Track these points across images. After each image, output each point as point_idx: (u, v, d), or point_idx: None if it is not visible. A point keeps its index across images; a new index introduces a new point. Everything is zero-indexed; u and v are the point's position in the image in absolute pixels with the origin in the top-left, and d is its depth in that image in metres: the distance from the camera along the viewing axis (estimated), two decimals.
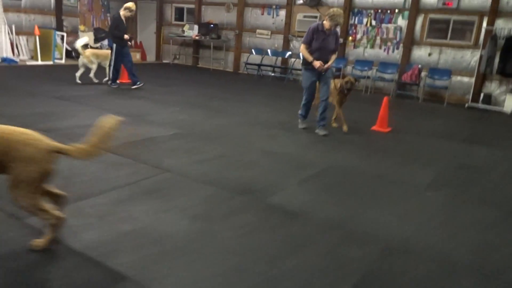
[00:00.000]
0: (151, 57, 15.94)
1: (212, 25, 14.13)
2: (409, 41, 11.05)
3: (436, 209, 3.68)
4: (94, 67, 9.12)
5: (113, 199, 3.30)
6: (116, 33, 8.59)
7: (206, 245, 2.73)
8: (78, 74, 8.96)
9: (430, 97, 10.92)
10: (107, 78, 9.15)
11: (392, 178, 4.43)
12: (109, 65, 8.99)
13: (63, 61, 12.66)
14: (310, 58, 5.84)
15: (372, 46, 11.75)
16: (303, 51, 5.92)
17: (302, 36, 13.61)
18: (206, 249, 2.68)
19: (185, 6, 15.21)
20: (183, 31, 14.83)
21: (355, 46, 12.01)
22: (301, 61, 6.37)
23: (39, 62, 11.89)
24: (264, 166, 4.44)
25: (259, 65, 13.10)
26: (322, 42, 5.81)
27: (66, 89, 8.09)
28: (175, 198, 3.44)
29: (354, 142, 5.83)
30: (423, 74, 10.70)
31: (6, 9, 12.34)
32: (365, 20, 11.77)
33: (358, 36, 11.92)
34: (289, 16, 12.95)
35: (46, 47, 12.30)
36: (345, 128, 6.28)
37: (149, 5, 15.65)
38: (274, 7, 13.23)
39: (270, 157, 4.79)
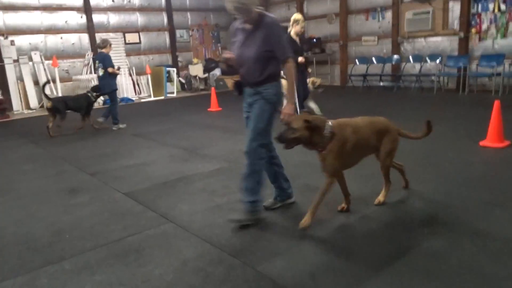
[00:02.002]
0: None
1: (314, 40, 13.39)
2: None
3: None
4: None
5: (79, 265, 2.90)
6: None
7: None
8: None
9: None
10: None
11: None
12: None
13: (174, 95, 13.45)
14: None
15: (504, 35, 9.45)
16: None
17: (413, 37, 12.21)
18: None
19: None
20: None
21: (480, 39, 9.84)
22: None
23: (152, 98, 12.85)
24: (291, 211, 3.56)
25: (364, 75, 11.80)
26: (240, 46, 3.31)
27: (144, 126, 8.34)
28: (148, 264, 2.86)
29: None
30: None
31: (128, 54, 13.77)
32: (490, 6, 9.56)
33: (484, 26, 9.74)
34: (396, 17, 11.41)
35: (159, 84, 13.25)
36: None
37: None
38: (379, 9, 11.85)
39: (307, 196, 3.86)
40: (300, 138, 3.06)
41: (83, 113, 7.99)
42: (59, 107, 7.63)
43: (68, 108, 7.78)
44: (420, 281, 2.44)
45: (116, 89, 8.17)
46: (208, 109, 9.72)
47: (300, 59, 6.78)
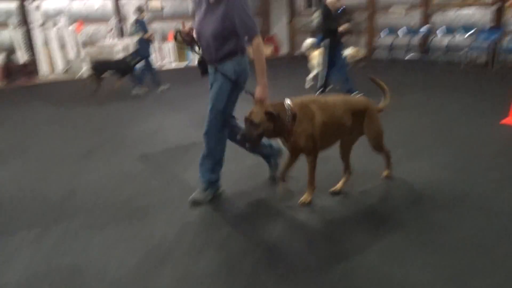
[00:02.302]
0: (284, 50, 15.69)
1: (341, 9, 12.97)
2: None
3: None
4: (316, 70, 7.65)
5: (89, 222, 3.03)
6: (327, 25, 6.63)
7: None
8: (309, 77, 7.95)
9: None
10: (319, 85, 7.05)
11: None
12: (322, 69, 7.01)
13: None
14: None
15: None
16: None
17: (444, 8, 11.67)
18: None
19: None
20: (312, 21, 14.07)
21: None
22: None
23: (174, 65, 12.89)
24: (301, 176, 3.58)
25: (390, 47, 11.45)
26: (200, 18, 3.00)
27: (167, 91, 8.40)
28: (152, 224, 2.97)
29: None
30: None
31: (151, 20, 13.73)
32: None
33: None
34: None
35: (182, 50, 13.26)
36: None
37: None
38: None
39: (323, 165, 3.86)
40: (265, 133, 2.81)
41: (120, 77, 8.23)
42: (99, 69, 7.97)
43: (107, 71, 8.12)
44: (416, 252, 2.44)
45: (150, 55, 8.36)
46: None
47: (342, 27, 6.62)
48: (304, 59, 13.52)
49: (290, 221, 2.91)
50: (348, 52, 7.48)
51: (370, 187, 3.40)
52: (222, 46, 2.90)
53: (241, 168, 3.92)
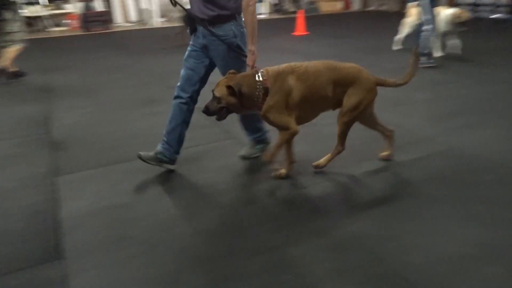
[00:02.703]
0: (356, 5, 14.90)
1: None
2: None
3: None
4: (408, 30, 7.00)
5: (146, 165, 3.25)
6: None
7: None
8: (398, 37, 7.22)
9: None
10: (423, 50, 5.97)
11: None
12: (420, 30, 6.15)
13: (263, 16, 13.22)
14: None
15: None
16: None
17: None
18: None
19: None
20: None
21: None
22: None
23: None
24: (349, 142, 3.52)
25: (474, 4, 10.45)
26: None
27: None
28: (204, 172, 3.12)
29: None
30: None
31: None
32: None
33: None
34: None
35: None
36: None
37: None
38: None
39: (370, 131, 3.77)
40: (228, 107, 2.62)
41: None
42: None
43: None
44: (403, 223, 2.35)
45: None
46: (293, 33, 9.48)
47: None
48: (378, 15, 12.76)
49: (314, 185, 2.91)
50: (448, 12, 6.27)
51: (425, 154, 3.26)
52: (217, 2, 2.63)
53: None
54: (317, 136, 3.64)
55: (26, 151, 3.58)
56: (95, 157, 3.43)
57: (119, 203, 2.70)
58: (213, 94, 2.63)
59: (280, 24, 11.54)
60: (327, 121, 3.29)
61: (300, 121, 2.79)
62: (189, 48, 2.93)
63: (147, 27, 11.62)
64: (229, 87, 2.56)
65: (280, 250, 2.14)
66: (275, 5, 14.00)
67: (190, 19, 2.82)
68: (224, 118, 2.70)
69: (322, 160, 3.02)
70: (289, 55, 7.28)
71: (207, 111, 2.65)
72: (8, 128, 4.16)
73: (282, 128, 2.73)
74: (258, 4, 13.21)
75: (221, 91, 2.58)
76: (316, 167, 3.01)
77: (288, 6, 13.63)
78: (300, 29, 9.50)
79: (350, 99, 2.79)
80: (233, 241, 2.25)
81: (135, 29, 11.45)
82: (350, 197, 2.75)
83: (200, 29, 2.78)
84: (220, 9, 2.67)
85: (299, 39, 8.95)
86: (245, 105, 2.62)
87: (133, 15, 12.54)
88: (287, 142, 2.83)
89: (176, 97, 2.98)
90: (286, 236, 2.27)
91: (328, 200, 2.67)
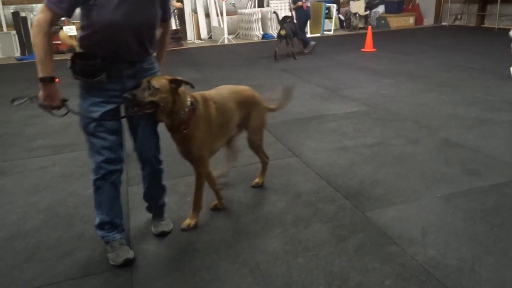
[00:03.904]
0: (429, 20, 14.31)
1: None
2: None
3: None
4: None
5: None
6: None
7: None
8: None
9: None
10: None
11: None
12: None
13: (331, 32, 13.15)
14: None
15: None
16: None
17: None
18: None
19: None
20: None
21: None
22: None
23: (308, 35, 12.81)
24: (417, 164, 3.36)
25: None
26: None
27: (295, 62, 8.44)
28: (266, 190, 3.12)
29: None
30: None
31: None
32: None
33: None
34: None
35: (317, 20, 13.07)
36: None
37: None
38: None
39: (444, 153, 3.56)
40: (159, 103, 2.23)
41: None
42: (290, 33, 8.58)
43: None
44: (479, 253, 2.12)
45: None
46: (362, 49, 9.32)
47: None
48: (453, 30, 12.24)
49: (407, 206, 2.78)
50: None
51: (504, 181, 3.01)
52: (154, 36, 2.29)
53: None
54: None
55: None
56: (169, 169, 3.57)
57: (186, 215, 2.77)
58: (148, 83, 2.20)
59: (349, 40, 11.39)
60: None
61: (212, 153, 2.66)
62: (102, 109, 2.28)
63: (217, 44, 12.04)
64: (173, 81, 2.27)
65: None
66: (343, 21, 13.88)
67: (94, 66, 2.14)
68: (142, 113, 2.24)
69: (258, 179, 3.19)
70: (357, 71, 7.15)
71: (132, 100, 2.16)
72: None
73: (199, 160, 2.51)
74: (327, 20, 13.22)
75: (161, 83, 2.22)
76: (256, 185, 3.16)
77: (357, 22, 13.45)
78: (369, 45, 9.32)
79: (255, 120, 2.92)
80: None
81: (205, 46, 11.92)
82: (422, 226, 2.61)
83: (125, 71, 2.25)
84: (155, 41, 2.37)
85: (367, 56, 8.78)
86: (173, 111, 2.31)
87: (204, 33, 13.08)
88: (203, 185, 2.62)
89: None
90: None
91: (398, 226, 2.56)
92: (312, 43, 9.38)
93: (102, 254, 2.40)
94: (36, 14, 12.05)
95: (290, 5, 9.68)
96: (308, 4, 9.28)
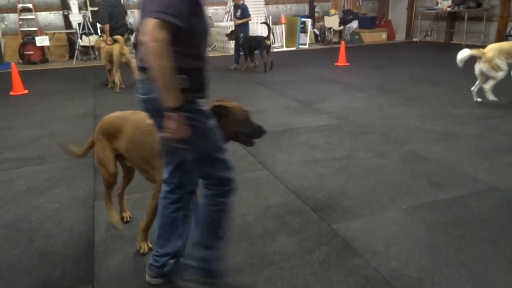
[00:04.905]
0: (401, 36, 14.74)
1: None
2: None
3: None
4: (499, 75, 5.37)
5: None
6: None
7: None
8: (483, 88, 5.58)
9: None
10: None
11: None
12: None
13: (306, 46, 13.36)
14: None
15: None
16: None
17: None
18: None
19: None
20: (437, 3, 12.93)
21: None
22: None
23: (284, 49, 12.99)
24: (384, 177, 3.43)
25: None
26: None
27: (270, 75, 8.55)
28: (235, 203, 3.12)
29: None
30: None
31: (266, 2, 14.01)
32: None
33: None
34: None
35: (292, 34, 13.28)
36: None
37: None
38: None
39: (411, 165, 3.65)
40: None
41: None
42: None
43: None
44: (440, 263, 2.19)
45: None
46: (335, 63, 9.50)
47: None
48: (423, 45, 12.62)
49: (371, 219, 2.82)
50: None
51: (466, 193, 3.11)
52: None
53: None
54: None
55: (71, 174, 3.76)
56: (134, 182, 3.53)
57: (152, 229, 2.74)
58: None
59: (324, 54, 11.59)
60: None
61: None
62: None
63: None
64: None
65: None
66: (318, 35, 14.13)
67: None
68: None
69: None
70: (330, 85, 7.27)
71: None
72: (57, 151, 4.39)
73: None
74: (302, 34, 13.44)
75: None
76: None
77: (332, 36, 13.71)
78: (342, 60, 9.51)
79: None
80: None
81: None
82: (387, 236, 2.66)
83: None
84: None
85: (340, 70, 8.94)
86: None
87: None
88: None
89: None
90: None
91: (364, 238, 2.60)
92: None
93: (64, 271, 2.34)
94: (8, 24, 11.90)
95: (234, 20, 9.61)
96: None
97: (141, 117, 2.30)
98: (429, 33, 13.71)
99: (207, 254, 2.06)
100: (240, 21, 9.21)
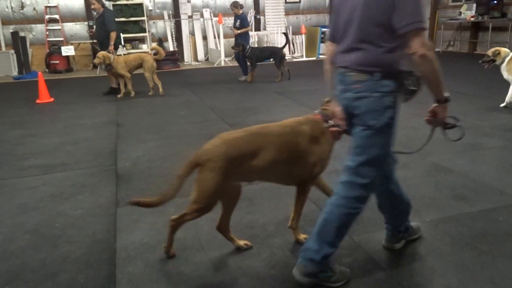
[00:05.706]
0: None
1: (495, 1, 11.51)
2: None
3: None
4: None
5: None
6: None
7: None
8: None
9: None
10: None
11: None
12: None
13: None
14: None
15: None
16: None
17: None
18: None
19: None
20: (460, 13, 12.76)
21: None
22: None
23: (304, 59, 13.00)
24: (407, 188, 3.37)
25: None
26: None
27: (289, 84, 8.54)
28: (256, 213, 3.12)
29: None
30: None
31: (287, 13, 14.10)
32: None
33: None
34: None
35: (312, 44, 13.29)
36: None
37: None
38: None
39: (434, 177, 3.57)
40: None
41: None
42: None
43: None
44: (462, 280, 2.11)
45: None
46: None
47: None
48: (445, 55, 12.44)
49: None
50: None
51: (491, 207, 3.02)
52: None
53: None
54: None
55: (94, 181, 3.83)
56: (156, 189, 3.57)
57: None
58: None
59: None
60: None
61: None
62: None
63: (214, 66, 12.17)
64: None
65: None
66: None
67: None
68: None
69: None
70: None
71: None
72: (80, 158, 4.49)
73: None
74: (322, 44, 13.42)
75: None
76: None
77: None
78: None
79: None
80: None
81: (202, 67, 12.05)
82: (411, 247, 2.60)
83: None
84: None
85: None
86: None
87: (201, 55, 13.25)
88: None
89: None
90: None
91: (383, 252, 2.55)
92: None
93: (87, 276, 2.37)
94: (35, 34, 12.30)
95: (234, 30, 9.51)
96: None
97: (290, 129, 2.67)
98: (452, 43, 13.52)
99: (328, 251, 2.13)
100: (239, 31, 9.30)
